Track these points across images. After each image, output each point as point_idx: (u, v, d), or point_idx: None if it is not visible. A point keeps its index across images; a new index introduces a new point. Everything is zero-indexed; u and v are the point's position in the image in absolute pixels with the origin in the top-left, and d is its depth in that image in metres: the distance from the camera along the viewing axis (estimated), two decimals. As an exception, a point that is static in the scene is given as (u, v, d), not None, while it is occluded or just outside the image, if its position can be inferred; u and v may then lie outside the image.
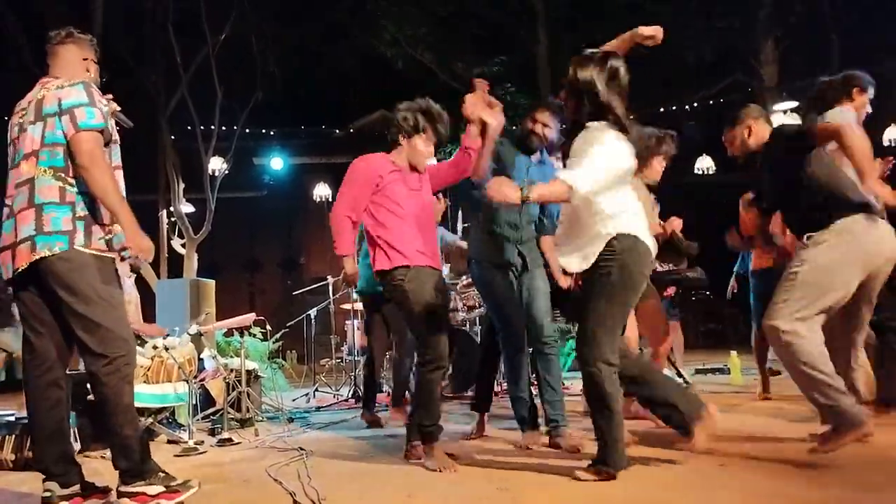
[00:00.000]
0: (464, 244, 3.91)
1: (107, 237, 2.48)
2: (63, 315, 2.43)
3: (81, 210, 2.44)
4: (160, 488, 2.43)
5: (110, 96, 2.70)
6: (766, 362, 4.74)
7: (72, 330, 2.43)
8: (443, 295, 2.95)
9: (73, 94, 2.45)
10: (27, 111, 2.52)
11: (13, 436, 3.25)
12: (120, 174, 2.60)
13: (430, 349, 2.83)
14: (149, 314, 5.87)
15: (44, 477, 2.48)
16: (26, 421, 3.27)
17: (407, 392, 4.58)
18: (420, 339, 2.91)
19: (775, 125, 3.17)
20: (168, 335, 4.24)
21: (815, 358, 2.68)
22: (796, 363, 2.71)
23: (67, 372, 2.61)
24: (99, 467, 3.04)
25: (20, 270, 2.41)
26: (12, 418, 3.41)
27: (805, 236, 2.86)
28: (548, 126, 3.32)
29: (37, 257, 2.38)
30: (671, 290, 5.53)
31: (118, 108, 2.72)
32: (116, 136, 2.64)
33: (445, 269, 6.21)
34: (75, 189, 2.44)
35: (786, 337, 2.72)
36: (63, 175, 2.43)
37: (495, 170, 3.20)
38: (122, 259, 2.55)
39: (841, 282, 2.73)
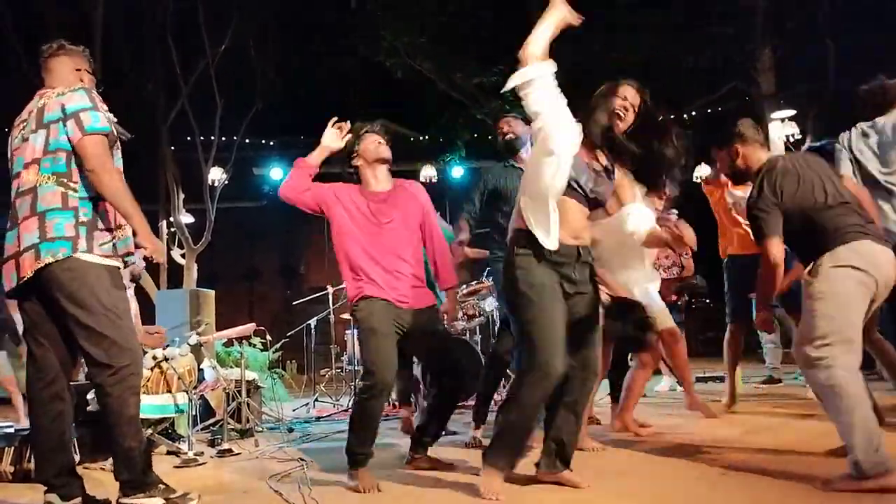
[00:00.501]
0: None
1: (111, 242, 2.48)
2: (67, 326, 2.43)
3: (84, 215, 2.44)
4: (160, 501, 2.43)
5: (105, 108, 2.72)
6: (736, 367, 4.56)
7: (76, 341, 2.42)
8: (396, 326, 2.88)
9: (76, 99, 2.45)
10: (28, 122, 2.52)
11: (12, 448, 3.23)
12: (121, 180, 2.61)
13: (370, 375, 2.77)
14: (148, 325, 5.86)
15: (45, 489, 2.47)
16: (26, 433, 3.27)
17: (413, 396, 4.58)
18: (363, 365, 2.91)
19: (771, 152, 3.04)
20: (167, 346, 4.23)
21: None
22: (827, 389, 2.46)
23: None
24: (99, 478, 3.03)
25: (25, 279, 2.40)
26: (11, 430, 3.40)
27: (805, 270, 2.65)
28: (513, 130, 3.69)
29: (41, 265, 2.38)
30: (675, 297, 5.54)
31: (115, 121, 2.73)
32: (117, 141, 2.66)
33: (493, 302, 6.09)
34: (77, 194, 2.44)
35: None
36: (65, 181, 2.43)
37: (501, 197, 3.59)
38: (126, 265, 2.56)
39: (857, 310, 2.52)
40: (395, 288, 2.90)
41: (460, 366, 3.05)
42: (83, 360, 2.50)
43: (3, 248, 2.54)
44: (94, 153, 2.40)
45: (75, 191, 2.44)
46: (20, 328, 5.93)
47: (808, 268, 2.62)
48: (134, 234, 2.50)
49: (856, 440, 2.34)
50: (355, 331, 3.04)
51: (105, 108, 2.54)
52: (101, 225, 2.47)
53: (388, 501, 2.58)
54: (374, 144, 3.03)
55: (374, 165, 3.04)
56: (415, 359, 4.32)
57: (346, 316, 6.63)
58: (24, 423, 4.86)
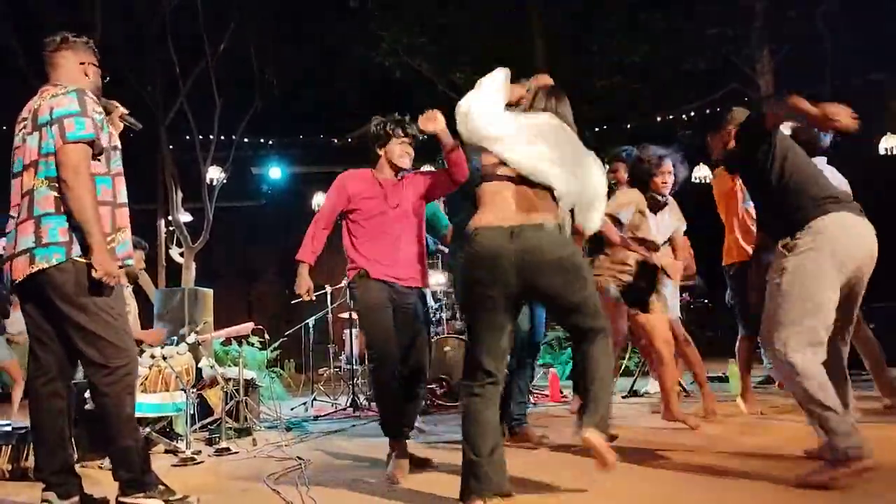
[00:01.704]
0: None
1: (108, 246, 2.47)
2: (63, 327, 2.44)
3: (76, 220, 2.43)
4: (159, 502, 2.43)
5: (115, 103, 2.72)
6: (749, 368, 4.51)
7: (72, 341, 2.43)
8: (392, 305, 3.09)
9: (64, 103, 2.42)
10: (27, 121, 2.52)
11: (10, 446, 3.24)
12: (122, 181, 2.60)
13: (372, 349, 3.06)
14: (146, 324, 5.86)
15: (43, 487, 2.47)
16: (23, 431, 3.27)
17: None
18: (367, 340, 3.14)
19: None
20: (166, 344, 4.23)
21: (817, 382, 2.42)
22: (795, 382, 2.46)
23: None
24: (97, 477, 3.03)
25: (18, 282, 2.43)
26: (9, 428, 3.40)
27: (780, 243, 2.61)
28: None
29: (35, 270, 2.38)
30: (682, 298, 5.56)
31: (126, 112, 2.73)
32: (118, 143, 2.63)
33: (442, 278, 6.21)
34: None
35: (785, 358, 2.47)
36: (57, 185, 2.41)
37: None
38: (121, 267, 2.56)
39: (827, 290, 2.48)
40: (394, 267, 3.11)
41: (422, 369, 3.15)
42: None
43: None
44: (69, 163, 2.36)
45: (64, 209, 2.42)
46: (14, 325, 5.90)
47: (784, 241, 2.59)
48: (90, 250, 2.40)
49: (831, 423, 2.37)
50: (353, 304, 3.21)
51: (98, 110, 2.50)
52: None
53: (382, 501, 2.58)
54: (400, 151, 3.20)
55: (392, 166, 3.22)
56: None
57: (345, 315, 6.66)
58: (18, 417, 4.87)
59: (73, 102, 2.43)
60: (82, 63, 2.61)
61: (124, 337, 2.49)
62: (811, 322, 2.46)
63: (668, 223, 4.08)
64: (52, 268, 2.38)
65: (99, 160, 2.49)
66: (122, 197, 2.59)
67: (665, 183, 3.95)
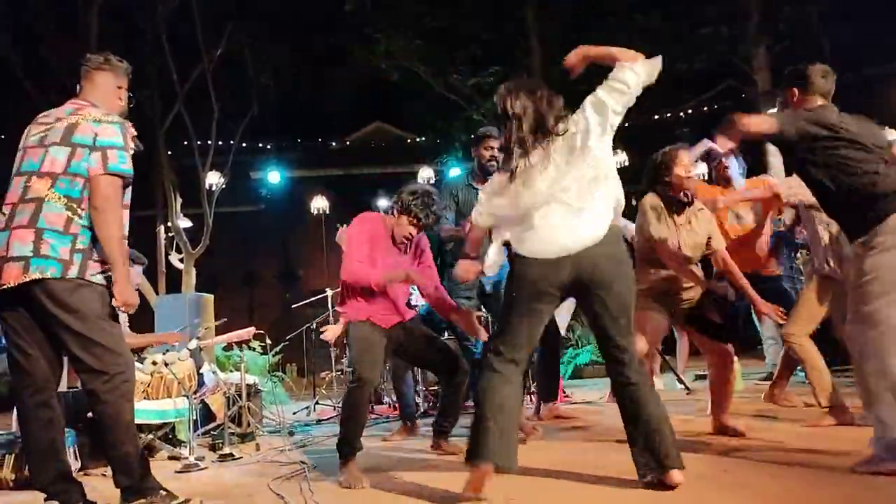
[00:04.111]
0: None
1: (103, 274, 2.47)
2: (57, 334, 2.41)
3: (81, 243, 2.42)
4: None
5: (129, 124, 2.72)
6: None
7: (68, 348, 2.42)
8: (383, 342, 3.20)
9: (109, 133, 2.47)
10: (53, 128, 2.50)
11: (13, 455, 3.23)
12: (126, 214, 2.60)
13: (355, 371, 3.07)
14: (148, 331, 5.86)
15: (45, 496, 2.47)
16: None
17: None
18: (351, 364, 3.22)
19: None
20: (167, 350, 4.23)
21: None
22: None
23: (68, 389, 2.61)
24: (98, 486, 3.03)
25: (6, 287, 2.37)
26: (11, 437, 3.39)
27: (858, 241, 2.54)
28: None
29: (27, 279, 2.35)
30: None
31: (135, 133, 2.74)
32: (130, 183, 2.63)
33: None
34: (81, 221, 2.44)
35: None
36: (74, 206, 2.43)
37: (459, 212, 3.98)
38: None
39: None
40: (392, 311, 3.25)
41: (460, 362, 3.38)
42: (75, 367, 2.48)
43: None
44: (106, 193, 2.42)
45: (80, 217, 2.44)
46: None
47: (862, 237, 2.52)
48: (113, 281, 2.46)
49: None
50: (349, 339, 3.28)
51: (133, 145, 2.58)
52: (96, 256, 2.45)
53: (387, 501, 2.58)
54: (407, 231, 3.24)
55: (399, 234, 3.27)
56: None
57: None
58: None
59: (118, 136, 2.49)
60: (119, 87, 2.69)
61: (121, 343, 2.48)
62: None
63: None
64: (45, 279, 2.36)
65: (125, 192, 2.55)
66: (124, 228, 2.63)
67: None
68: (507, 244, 2.63)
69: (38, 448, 2.46)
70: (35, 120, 2.58)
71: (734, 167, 4.27)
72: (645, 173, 3.48)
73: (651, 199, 3.38)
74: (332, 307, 6.70)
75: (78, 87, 2.65)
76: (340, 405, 3.31)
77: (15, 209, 2.44)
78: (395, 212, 3.27)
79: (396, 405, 5.95)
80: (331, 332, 3.56)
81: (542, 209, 2.48)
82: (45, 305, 2.38)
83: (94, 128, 2.46)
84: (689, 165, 3.34)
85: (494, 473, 2.40)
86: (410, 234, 3.25)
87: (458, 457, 3.13)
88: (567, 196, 2.46)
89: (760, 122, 2.60)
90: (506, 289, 2.64)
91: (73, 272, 2.39)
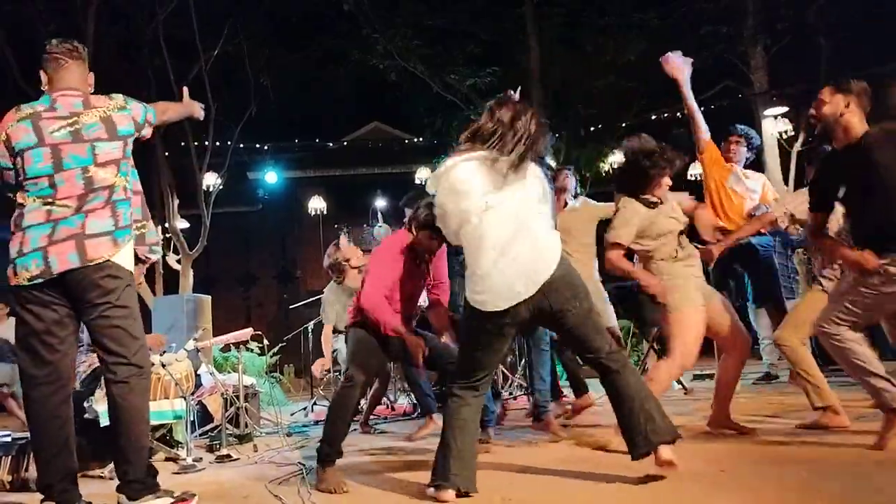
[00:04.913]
0: None
1: (138, 231, 2.72)
2: (101, 324, 2.49)
3: (133, 214, 2.68)
4: (170, 498, 2.50)
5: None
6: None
7: (111, 339, 2.50)
8: (380, 347, 3.15)
9: (137, 108, 2.72)
10: (80, 123, 2.56)
11: (10, 457, 3.21)
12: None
13: (349, 371, 3.08)
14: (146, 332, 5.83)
15: (42, 497, 2.47)
16: (22, 442, 3.25)
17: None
18: (350, 355, 3.17)
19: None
20: (164, 351, 4.23)
21: None
22: None
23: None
24: (94, 488, 3.01)
25: (96, 262, 2.47)
26: (8, 439, 3.38)
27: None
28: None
29: (118, 250, 2.51)
30: None
31: None
32: None
33: None
34: (129, 200, 2.67)
35: None
36: (127, 187, 2.66)
37: None
38: (144, 262, 2.77)
39: None
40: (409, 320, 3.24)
41: None
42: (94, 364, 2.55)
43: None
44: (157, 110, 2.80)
45: (129, 196, 2.66)
46: None
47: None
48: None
49: None
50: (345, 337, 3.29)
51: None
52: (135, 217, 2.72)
53: (389, 502, 2.58)
54: (428, 241, 3.17)
55: (421, 250, 3.21)
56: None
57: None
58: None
59: (138, 105, 2.76)
60: (89, 73, 2.80)
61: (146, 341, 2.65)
62: None
63: None
64: (104, 265, 2.48)
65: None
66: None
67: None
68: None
69: (53, 445, 2.49)
70: (35, 114, 2.55)
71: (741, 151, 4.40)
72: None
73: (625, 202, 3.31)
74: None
75: (46, 75, 2.66)
76: (330, 402, 3.30)
77: (85, 198, 2.52)
78: (413, 228, 3.19)
79: (393, 406, 5.97)
80: (318, 367, 3.55)
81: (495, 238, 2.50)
82: (92, 297, 2.47)
83: (127, 115, 2.66)
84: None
85: (456, 497, 2.46)
86: (433, 248, 3.19)
87: (485, 456, 3.17)
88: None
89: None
90: (463, 318, 2.71)
91: (131, 233, 2.61)
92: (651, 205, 3.27)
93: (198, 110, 3.05)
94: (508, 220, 2.50)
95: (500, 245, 2.48)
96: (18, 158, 2.52)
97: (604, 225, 4.40)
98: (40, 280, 2.45)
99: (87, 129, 2.57)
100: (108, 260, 2.49)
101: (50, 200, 2.50)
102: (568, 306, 2.50)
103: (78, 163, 2.53)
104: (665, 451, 2.47)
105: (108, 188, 2.57)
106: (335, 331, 5.48)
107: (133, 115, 2.69)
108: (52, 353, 2.50)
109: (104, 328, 2.50)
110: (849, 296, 2.81)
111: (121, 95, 2.72)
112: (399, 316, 3.14)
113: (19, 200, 2.54)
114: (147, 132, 2.77)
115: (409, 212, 3.36)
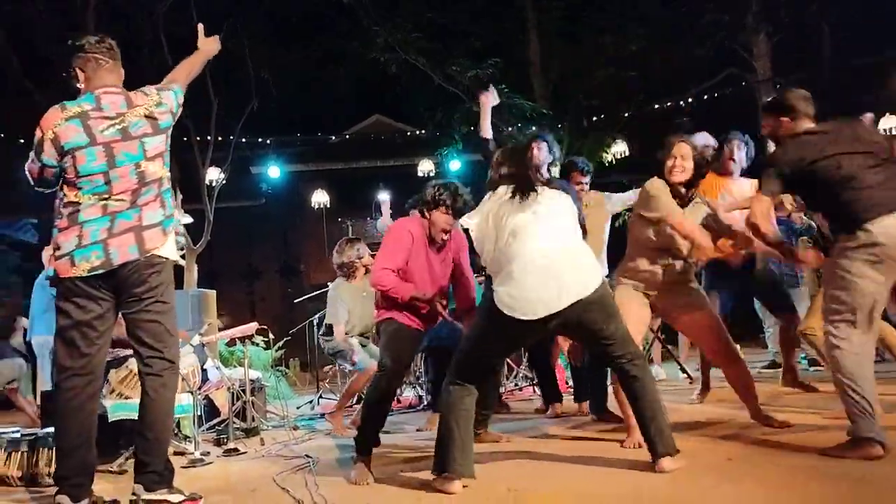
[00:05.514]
0: None
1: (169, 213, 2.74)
2: (145, 318, 2.55)
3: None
4: (182, 496, 2.52)
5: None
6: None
7: (152, 332, 2.56)
8: (415, 340, 3.21)
9: (170, 100, 2.81)
10: (128, 121, 2.62)
11: (20, 452, 3.23)
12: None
13: (383, 362, 3.08)
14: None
15: (56, 490, 2.50)
16: (32, 437, 3.28)
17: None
18: (381, 354, 3.17)
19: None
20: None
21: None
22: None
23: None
24: (105, 480, 3.04)
25: (151, 252, 2.54)
26: (17, 434, 3.40)
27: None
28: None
29: (167, 239, 2.59)
30: None
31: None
32: None
33: None
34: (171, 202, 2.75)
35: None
36: (168, 176, 2.76)
37: None
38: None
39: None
40: (424, 312, 3.16)
41: None
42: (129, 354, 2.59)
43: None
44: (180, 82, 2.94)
45: (169, 186, 2.76)
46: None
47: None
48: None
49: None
50: (383, 334, 3.22)
51: None
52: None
53: (390, 494, 2.59)
54: (443, 223, 3.18)
55: (437, 231, 3.21)
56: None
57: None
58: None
59: (168, 94, 2.85)
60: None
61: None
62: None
63: None
64: (164, 257, 2.58)
65: None
66: None
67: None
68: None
69: (76, 437, 2.52)
70: (83, 113, 2.59)
71: (741, 156, 4.31)
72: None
73: (659, 182, 3.17)
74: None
75: (83, 73, 2.69)
76: (366, 394, 3.28)
77: (138, 192, 2.59)
78: (425, 212, 3.20)
79: (399, 398, 5.98)
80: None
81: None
82: (140, 292, 2.54)
83: (164, 109, 2.74)
84: (683, 155, 3.16)
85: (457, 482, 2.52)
86: (447, 226, 3.17)
87: (492, 446, 3.27)
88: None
89: (761, 212, 2.76)
90: (483, 316, 2.75)
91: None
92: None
93: (215, 46, 3.14)
94: (545, 236, 2.63)
95: (538, 257, 2.58)
96: (68, 157, 2.54)
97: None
98: (100, 271, 2.51)
99: (133, 127, 2.64)
100: (159, 254, 2.57)
101: (106, 196, 2.56)
102: (601, 326, 2.63)
103: (131, 159, 2.60)
104: (667, 462, 2.57)
105: (158, 181, 2.66)
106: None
107: (169, 108, 2.77)
108: (89, 346, 2.55)
109: (144, 322, 2.57)
110: (829, 286, 2.73)
111: (153, 89, 2.78)
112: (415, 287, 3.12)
113: (71, 198, 2.57)
114: (178, 109, 2.86)
115: (414, 213, 3.35)
